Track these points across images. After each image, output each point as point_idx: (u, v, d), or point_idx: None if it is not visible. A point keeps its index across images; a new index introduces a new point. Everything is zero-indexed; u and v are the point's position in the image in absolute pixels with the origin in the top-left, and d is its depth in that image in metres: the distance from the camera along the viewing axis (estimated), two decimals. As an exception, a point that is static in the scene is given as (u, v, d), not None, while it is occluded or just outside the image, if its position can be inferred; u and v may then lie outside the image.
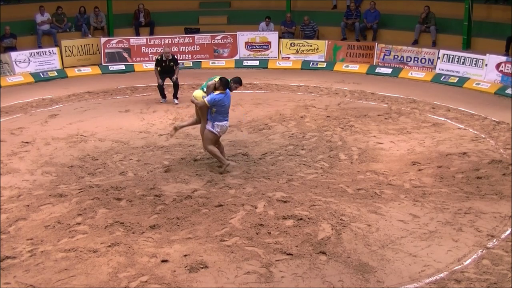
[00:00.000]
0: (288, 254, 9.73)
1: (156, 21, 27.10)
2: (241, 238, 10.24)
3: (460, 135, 15.71)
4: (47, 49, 23.95)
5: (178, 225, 10.75)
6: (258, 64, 25.03)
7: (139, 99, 19.92)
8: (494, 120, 16.85)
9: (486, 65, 21.27)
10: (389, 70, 23.29)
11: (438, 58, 22.46)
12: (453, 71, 22.04)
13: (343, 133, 15.89)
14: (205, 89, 13.62)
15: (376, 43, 24.11)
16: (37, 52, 23.53)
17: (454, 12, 24.23)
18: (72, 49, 24.24)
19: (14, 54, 23.03)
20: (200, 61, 25.08)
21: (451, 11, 24.50)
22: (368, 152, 14.47)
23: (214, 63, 25.08)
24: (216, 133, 13.08)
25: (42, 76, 23.09)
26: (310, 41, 25.16)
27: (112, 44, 24.73)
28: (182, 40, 25.27)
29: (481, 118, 17.16)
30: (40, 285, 8.98)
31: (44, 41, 24.97)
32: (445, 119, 17.11)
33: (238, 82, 13.84)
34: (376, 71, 23.47)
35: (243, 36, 25.49)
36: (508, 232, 10.52)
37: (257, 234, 10.38)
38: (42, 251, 9.91)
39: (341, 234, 10.40)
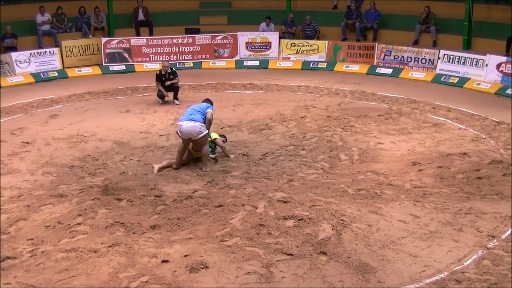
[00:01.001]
0: (288, 255, 9.73)
1: (156, 21, 27.10)
2: (241, 239, 10.24)
3: (461, 136, 15.71)
4: (47, 50, 23.97)
5: (179, 226, 10.75)
6: (258, 64, 25.05)
7: (139, 100, 19.93)
8: (495, 121, 16.86)
9: (486, 65, 21.28)
10: (389, 71, 23.30)
11: (439, 58, 22.47)
12: (453, 72, 22.04)
13: (344, 133, 15.89)
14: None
15: (377, 43, 24.13)
16: (37, 53, 23.55)
17: (454, 12, 24.25)
18: (72, 50, 24.25)
19: (14, 55, 23.05)
20: (201, 62, 25.10)
21: (451, 12, 24.52)
22: (369, 153, 14.47)
23: (215, 63, 25.11)
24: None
25: (42, 76, 23.11)
26: (310, 42, 25.18)
27: (113, 44, 24.74)
28: (183, 41, 25.28)
29: (482, 118, 17.16)
30: (40, 285, 8.98)
31: (45, 41, 24.98)
32: (446, 120, 17.11)
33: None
34: (376, 71, 23.48)
35: (244, 37, 25.50)
36: (508, 232, 10.52)
37: (257, 234, 10.38)
38: (42, 251, 9.91)
39: (341, 234, 10.40)
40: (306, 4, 27.95)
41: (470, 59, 21.79)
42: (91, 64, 24.46)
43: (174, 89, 19.35)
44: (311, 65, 24.58)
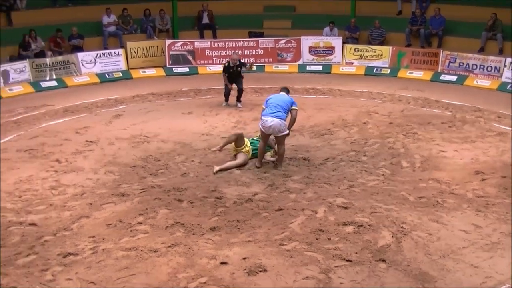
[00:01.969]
0: (347, 261, 9.68)
1: (220, 24, 27.24)
2: (300, 243, 10.23)
3: (526, 145, 15.46)
4: (113, 50, 24.33)
5: (238, 228, 10.78)
6: (321, 69, 24.99)
7: (202, 102, 20.05)
8: (562, 131, 16.55)
9: (554, 74, 20.93)
10: (454, 78, 23.02)
11: (505, 66, 22.12)
12: (520, 80, 21.71)
13: (406, 140, 15.76)
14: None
15: (441, 50, 23.86)
16: (103, 53, 23.91)
17: (521, 19, 23.87)
18: (137, 51, 24.55)
19: (81, 55, 23.44)
20: (264, 65, 25.15)
21: (518, 19, 24.14)
22: (431, 160, 14.32)
23: (278, 67, 25.14)
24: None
25: (107, 76, 23.45)
26: (374, 47, 25.03)
27: (177, 46, 24.96)
28: (246, 44, 25.37)
29: (548, 128, 16.87)
30: (100, 282, 9.10)
31: (110, 42, 25.33)
32: (511, 129, 16.83)
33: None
34: (440, 78, 23.22)
35: (307, 41, 25.48)
36: None
37: (316, 239, 10.35)
38: (103, 249, 10.04)
39: (401, 242, 10.31)
40: (371, 9, 27.68)
41: (537, 67, 21.46)
42: (155, 65, 24.73)
43: (239, 91, 19.34)
44: (374, 71, 24.44)
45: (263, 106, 13.78)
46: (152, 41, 25.36)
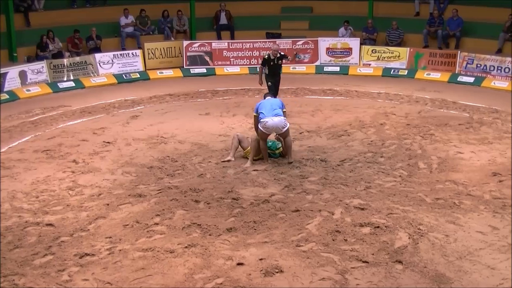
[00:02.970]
0: (364, 262, 9.66)
1: (237, 25, 27.30)
2: (317, 244, 10.22)
3: (544, 147, 15.38)
4: (130, 51, 24.43)
5: (255, 229, 10.79)
6: (338, 70, 24.97)
7: (219, 103, 20.08)
8: None
9: None
10: (471, 79, 22.93)
11: (523, 67, 22.06)
12: (538, 81, 21.60)
13: (423, 141, 15.71)
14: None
15: (459, 51, 23.77)
16: (120, 54, 24.00)
17: (540, 21, 23.74)
18: (154, 52, 24.62)
19: (98, 56, 23.54)
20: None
21: (537, 20, 24.01)
22: (448, 162, 14.27)
23: (295, 68, 25.09)
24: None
25: (125, 77, 23.54)
26: (391, 48, 24.98)
27: (194, 47, 25.02)
28: (264, 45, 25.35)
29: None
30: (117, 283, 9.12)
31: (128, 43, 25.45)
32: (528, 130, 16.78)
33: None
34: (458, 79, 23.13)
35: (324, 42, 25.45)
36: None
37: (333, 240, 10.35)
38: (120, 250, 10.07)
39: (418, 243, 10.29)
40: (388, 10, 27.60)
41: (555, 69, 21.36)
42: (172, 66, 24.79)
43: (276, 83, 18.39)
44: (391, 72, 24.38)
45: (254, 114, 14.24)
46: (169, 42, 25.42)
